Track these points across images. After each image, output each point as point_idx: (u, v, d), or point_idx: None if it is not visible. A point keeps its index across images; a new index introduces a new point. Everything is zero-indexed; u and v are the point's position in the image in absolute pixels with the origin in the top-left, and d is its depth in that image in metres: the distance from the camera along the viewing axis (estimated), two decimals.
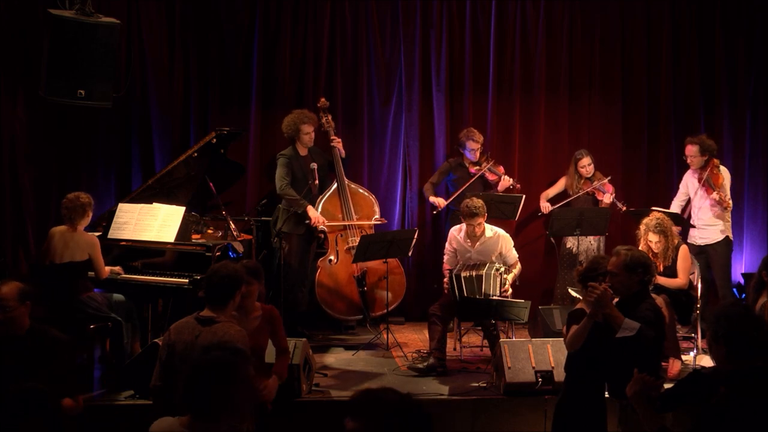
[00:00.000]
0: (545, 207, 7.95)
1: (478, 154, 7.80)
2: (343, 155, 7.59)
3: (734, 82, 8.49)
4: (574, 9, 8.38)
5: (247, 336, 4.20)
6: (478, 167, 7.80)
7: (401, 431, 2.54)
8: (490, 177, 7.85)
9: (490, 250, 6.75)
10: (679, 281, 6.44)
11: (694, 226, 7.42)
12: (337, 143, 7.54)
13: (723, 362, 3.30)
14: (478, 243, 6.75)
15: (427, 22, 8.21)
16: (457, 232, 6.90)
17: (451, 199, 7.78)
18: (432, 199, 7.83)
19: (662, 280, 6.32)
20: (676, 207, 7.61)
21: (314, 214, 7.22)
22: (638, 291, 4.44)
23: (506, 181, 7.78)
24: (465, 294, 6.50)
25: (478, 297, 6.46)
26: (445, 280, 6.79)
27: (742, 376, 3.19)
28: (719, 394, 3.17)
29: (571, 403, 4.58)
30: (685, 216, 7.49)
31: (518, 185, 7.87)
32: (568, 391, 4.65)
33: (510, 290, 6.65)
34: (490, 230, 6.78)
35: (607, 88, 8.46)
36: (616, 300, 4.45)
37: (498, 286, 6.52)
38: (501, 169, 7.89)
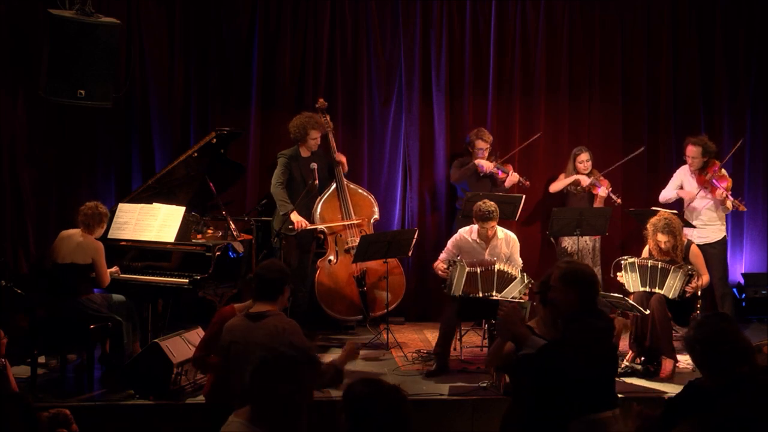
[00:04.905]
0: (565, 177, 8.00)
1: (486, 154, 7.82)
2: (346, 171, 7.59)
3: (734, 81, 8.49)
4: (574, 9, 8.38)
5: (299, 327, 4.37)
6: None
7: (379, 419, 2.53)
8: (500, 175, 7.88)
9: (502, 251, 6.70)
10: (706, 277, 6.60)
11: (694, 227, 7.42)
12: (342, 160, 7.53)
13: (709, 380, 3.31)
14: (491, 244, 6.70)
15: (427, 22, 8.21)
16: (467, 234, 6.78)
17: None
18: (481, 163, 7.77)
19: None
20: (664, 198, 7.65)
21: (297, 218, 7.14)
22: (580, 310, 3.85)
23: (514, 177, 7.83)
24: (485, 288, 6.36)
25: (490, 294, 6.34)
26: (441, 269, 6.66)
27: (732, 387, 3.20)
28: (716, 405, 3.18)
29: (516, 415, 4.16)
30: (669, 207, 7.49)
31: (528, 182, 7.90)
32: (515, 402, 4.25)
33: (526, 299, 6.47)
34: (501, 231, 6.74)
35: (607, 88, 8.46)
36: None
37: (518, 291, 6.37)
38: (510, 167, 7.94)
